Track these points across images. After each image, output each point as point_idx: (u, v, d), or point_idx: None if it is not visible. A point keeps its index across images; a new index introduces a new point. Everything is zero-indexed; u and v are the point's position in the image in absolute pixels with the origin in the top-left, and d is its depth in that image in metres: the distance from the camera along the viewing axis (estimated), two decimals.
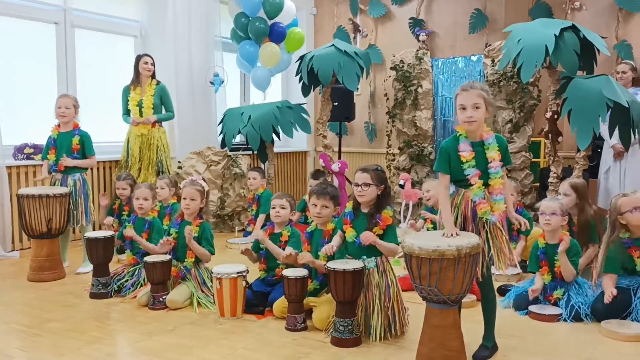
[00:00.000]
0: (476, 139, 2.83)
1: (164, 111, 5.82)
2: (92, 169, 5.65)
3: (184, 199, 3.87)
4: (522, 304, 3.64)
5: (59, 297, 3.95)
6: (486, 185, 2.82)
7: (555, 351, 3.02)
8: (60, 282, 4.35)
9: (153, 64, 5.71)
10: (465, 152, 2.81)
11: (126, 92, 5.74)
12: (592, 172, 5.73)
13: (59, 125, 4.69)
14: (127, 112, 5.73)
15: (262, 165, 6.55)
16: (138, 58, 5.75)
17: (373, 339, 3.10)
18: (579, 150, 5.09)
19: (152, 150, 5.68)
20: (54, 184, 4.62)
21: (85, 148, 4.68)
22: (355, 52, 6.05)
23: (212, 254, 3.89)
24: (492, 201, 2.80)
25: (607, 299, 3.31)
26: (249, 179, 5.91)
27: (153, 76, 5.76)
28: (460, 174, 2.83)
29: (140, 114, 5.63)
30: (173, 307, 3.66)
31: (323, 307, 3.29)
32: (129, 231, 4.08)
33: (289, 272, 3.31)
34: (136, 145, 5.65)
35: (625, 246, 3.46)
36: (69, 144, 4.62)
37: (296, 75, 6.33)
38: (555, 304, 3.58)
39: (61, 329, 3.33)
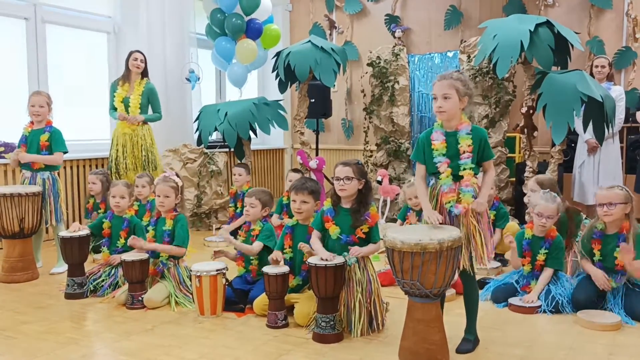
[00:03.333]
0: (452, 129, 2.83)
1: (150, 111, 5.70)
2: (65, 167, 5.54)
3: (158, 196, 3.82)
4: (500, 296, 3.68)
5: (32, 298, 3.86)
6: (457, 176, 2.80)
7: (536, 342, 3.05)
8: (34, 282, 4.25)
9: (143, 61, 5.59)
10: (437, 141, 2.83)
11: (114, 87, 5.61)
12: (566, 166, 5.82)
13: (32, 123, 4.57)
14: (114, 108, 5.60)
15: (248, 162, 6.45)
16: (129, 54, 5.63)
17: (355, 334, 3.09)
18: (554, 145, 5.16)
19: (137, 149, 5.57)
20: (23, 182, 4.51)
21: (52, 145, 4.53)
22: (332, 48, 6.03)
23: (183, 247, 3.78)
24: (460, 192, 2.79)
25: (603, 285, 3.44)
26: (234, 174, 5.79)
27: (144, 74, 5.63)
28: (433, 164, 2.84)
29: (126, 112, 5.52)
30: (151, 307, 3.59)
31: (304, 303, 3.27)
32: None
33: (270, 269, 3.27)
34: (121, 144, 5.53)
35: (593, 236, 3.55)
36: (39, 140, 4.50)
37: (273, 71, 6.29)
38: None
39: (35, 330, 3.25)
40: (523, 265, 3.73)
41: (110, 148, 5.63)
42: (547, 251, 3.64)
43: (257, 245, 3.64)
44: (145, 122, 5.64)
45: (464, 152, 2.78)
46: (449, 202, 2.79)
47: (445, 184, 2.81)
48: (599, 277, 3.45)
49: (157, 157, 5.76)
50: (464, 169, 2.77)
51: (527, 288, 3.67)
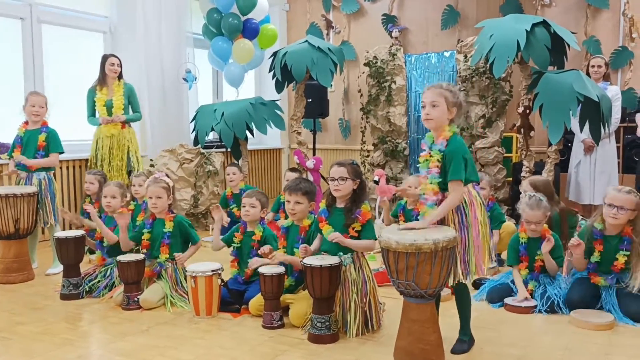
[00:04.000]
0: (438, 140, 2.83)
1: (131, 112, 5.71)
2: (60, 167, 5.53)
3: (150, 198, 3.82)
4: (495, 297, 3.67)
5: (28, 299, 3.85)
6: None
7: (531, 342, 3.05)
8: (29, 283, 4.24)
9: (120, 65, 5.59)
10: (423, 152, 2.88)
11: (91, 93, 5.59)
12: (563, 166, 5.82)
13: (26, 123, 4.58)
14: (92, 114, 5.59)
15: (245, 162, 6.43)
16: (104, 58, 5.60)
17: (350, 335, 3.08)
18: (550, 144, 5.15)
19: (122, 152, 5.56)
20: (19, 183, 4.51)
21: (49, 146, 4.56)
22: (329, 48, 6.02)
23: (198, 240, 3.89)
24: (425, 207, 2.82)
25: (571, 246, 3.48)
26: (228, 174, 5.81)
27: (120, 77, 5.63)
28: None
29: (110, 115, 5.51)
30: (147, 307, 3.59)
31: (300, 303, 3.26)
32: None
33: (265, 269, 3.27)
34: (106, 146, 5.52)
35: (594, 236, 3.52)
36: (36, 141, 4.51)
37: (269, 71, 6.28)
38: (530, 295, 3.61)
39: (31, 331, 3.25)
40: (520, 269, 3.71)
41: (92, 151, 5.59)
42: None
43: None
44: (129, 124, 5.62)
45: (429, 168, 2.80)
46: (420, 213, 2.86)
47: (422, 196, 2.87)
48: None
49: (141, 162, 5.74)
50: (429, 184, 2.80)
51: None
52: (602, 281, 3.47)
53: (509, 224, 4.75)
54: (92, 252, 4.50)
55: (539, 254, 3.65)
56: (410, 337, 2.71)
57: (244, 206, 3.76)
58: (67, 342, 3.09)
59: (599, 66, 5.40)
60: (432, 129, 2.84)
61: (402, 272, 2.64)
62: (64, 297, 3.83)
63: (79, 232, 4.02)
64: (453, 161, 2.72)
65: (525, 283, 3.67)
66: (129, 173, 5.54)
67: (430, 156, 2.82)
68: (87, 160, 5.89)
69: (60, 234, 4.02)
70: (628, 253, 3.42)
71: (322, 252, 3.21)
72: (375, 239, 3.17)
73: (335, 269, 3.03)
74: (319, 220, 3.23)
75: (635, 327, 3.25)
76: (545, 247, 3.59)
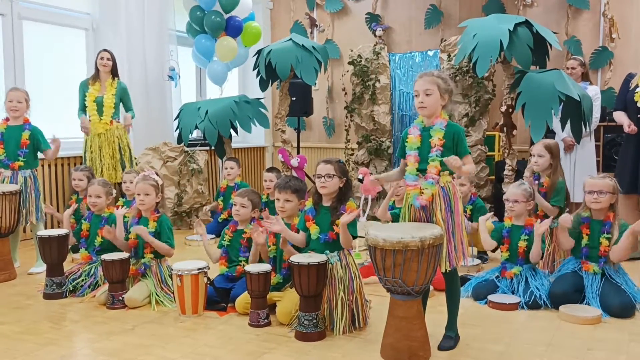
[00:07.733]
0: (430, 125, 2.87)
1: (122, 111, 5.64)
2: (42, 165, 5.46)
3: (138, 195, 3.79)
4: (481, 293, 3.71)
5: (10, 299, 3.80)
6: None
7: (516, 338, 3.09)
8: (11, 283, 4.19)
9: (110, 59, 5.52)
10: (411, 135, 2.89)
11: (84, 86, 5.52)
12: None
13: (7, 119, 4.51)
14: (83, 108, 5.52)
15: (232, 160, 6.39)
16: (97, 53, 5.57)
17: (337, 332, 3.09)
18: (532, 143, 5.21)
19: (113, 149, 5.49)
20: (3, 181, 4.44)
21: (41, 143, 4.56)
22: (313, 47, 6.03)
23: (172, 247, 3.78)
24: (422, 185, 2.82)
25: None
26: (226, 168, 5.83)
27: (114, 72, 5.57)
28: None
29: (99, 112, 5.44)
30: (132, 306, 3.56)
31: (287, 301, 3.26)
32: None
33: (252, 268, 3.27)
34: (95, 144, 5.46)
35: (581, 221, 3.65)
36: (18, 138, 4.45)
37: (254, 69, 6.26)
38: (513, 292, 3.67)
39: (13, 331, 3.20)
40: (502, 251, 3.83)
41: (84, 150, 5.53)
42: (527, 237, 3.72)
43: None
44: (117, 120, 5.56)
45: (434, 146, 2.81)
46: (411, 195, 2.84)
47: (409, 177, 2.86)
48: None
49: (133, 156, 5.69)
50: (431, 161, 2.81)
51: (505, 273, 3.75)
52: (594, 268, 3.55)
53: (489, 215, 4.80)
54: (75, 250, 4.45)
55: (521, 239, 3.72)
56: (397, 334, 2.73)
57: (235, 205, 3.76)
58: (51, 341, 3.06)
59: (573, 68, 5.48)
60: (426, 117, 2.88)
61: (389, 270, 2.65)
62: (47, 296, 3.79)
63: (62, 231, 3.98)
64: (460, 139, 2.81)
65: (508, 267, 3.76)
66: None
67: (420, 137, 2.85)
68: (69, 158, 5.83)
69: (43, 232, 3.97)
70: (609, 236, 3.53)
71: (309, 251, 3.22)
72: (356, 237, 3.20)
73: (322, 267, 3.04)
74: (305, 219, 3.24)
75: (617, 322, 3.30)
76: (540, 228, 3.58)
